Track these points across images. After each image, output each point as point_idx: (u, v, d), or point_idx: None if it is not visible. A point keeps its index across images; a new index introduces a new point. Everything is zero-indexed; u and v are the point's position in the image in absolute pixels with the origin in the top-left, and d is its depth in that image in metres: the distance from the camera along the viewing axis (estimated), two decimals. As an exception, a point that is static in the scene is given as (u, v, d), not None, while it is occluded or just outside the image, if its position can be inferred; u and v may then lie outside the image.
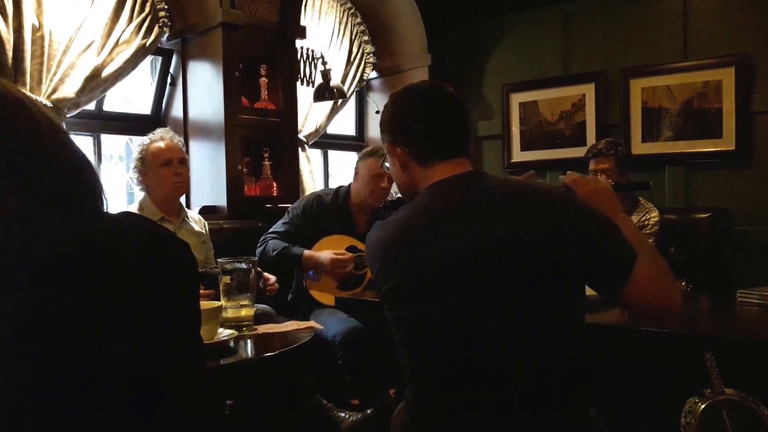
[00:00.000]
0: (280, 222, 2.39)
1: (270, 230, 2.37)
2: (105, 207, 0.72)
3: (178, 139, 2.18)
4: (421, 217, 1.01)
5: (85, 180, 0.70)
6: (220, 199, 2.73)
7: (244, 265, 1.57)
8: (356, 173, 2.38)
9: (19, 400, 0.59)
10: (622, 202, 2.31)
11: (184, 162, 2.14)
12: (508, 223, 0.92)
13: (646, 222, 2.31)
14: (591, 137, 3.26)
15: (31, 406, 0.59)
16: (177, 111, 2.92)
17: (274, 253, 2.25)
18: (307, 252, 2.25)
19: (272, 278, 2.00)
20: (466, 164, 1.06)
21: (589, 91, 3.29)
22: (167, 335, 0.68)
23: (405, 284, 0.99)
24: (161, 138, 2.11)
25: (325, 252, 2.24)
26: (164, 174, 2.07)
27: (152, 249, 0.69)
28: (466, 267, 0.93)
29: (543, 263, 0.91)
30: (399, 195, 3.02)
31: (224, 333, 1.40)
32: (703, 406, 1.13)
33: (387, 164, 1.15)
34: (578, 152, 3.26)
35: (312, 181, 3.29)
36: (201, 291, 1.79)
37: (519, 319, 0.92)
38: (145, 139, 2.12)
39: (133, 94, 3.03)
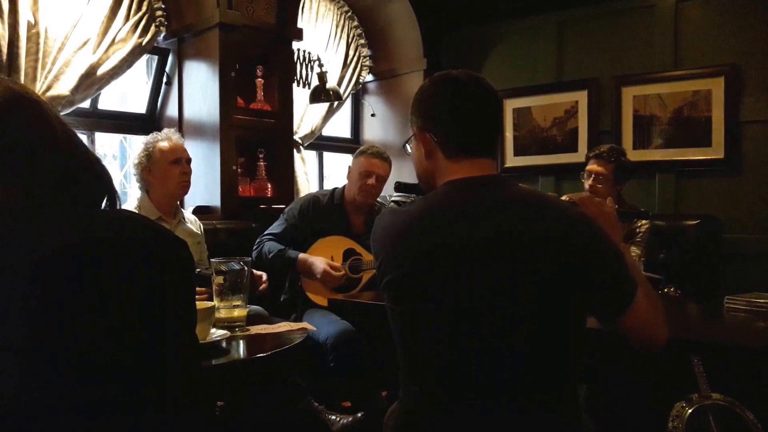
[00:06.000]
0: (276, 223, 2.39)
1: (266, 231, 2.37)
2: (118, 204, 0.74)
3: (183, 141, 2.18)
4: (434, 212, 1.00)
5: (101, 178, 0.71)
6: (214, 200, 2.73)
7: (237, 266, 1.57)
8: (349, 172, 2.41)
9: (24, 393, 0.59)
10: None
11: (189, 162, 2.14)
12: (517, 229, 0.93)
13: (638, 230, 2.32)
14: (583, 144, 3.30)
15: (35, 399, 0.59)
16: (172, 110, 2.91)
17: (270, 255, 2.26)
18: (302, 255, 2.25)
19: (259, 273, 2.00)
20: (491, 166, 1.04)
21: (581, 98, 3.32)
22: (164, 332, 0.69)
23: (408, 276, 0.99)
24: (167, 137, 2.10)
25: (319, 259, 2.23)
26: (172, 172, 2.06)
27: (152, 246, 0.70)
28: (471, 266, 0.94)
29: (545, 273, 0.91)
30: (393, 197, 3.01)
31: (217, 333, 1.40)
32: (690, 411, 1.15)
33: (409, 146, 1.11)
34: (570, 158, 3.31)
35: (307, 183, 3.30)
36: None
37: (515, 323, 0.93)
38: (149, 137, 2.11)
39: (129, 93, 3.02)
